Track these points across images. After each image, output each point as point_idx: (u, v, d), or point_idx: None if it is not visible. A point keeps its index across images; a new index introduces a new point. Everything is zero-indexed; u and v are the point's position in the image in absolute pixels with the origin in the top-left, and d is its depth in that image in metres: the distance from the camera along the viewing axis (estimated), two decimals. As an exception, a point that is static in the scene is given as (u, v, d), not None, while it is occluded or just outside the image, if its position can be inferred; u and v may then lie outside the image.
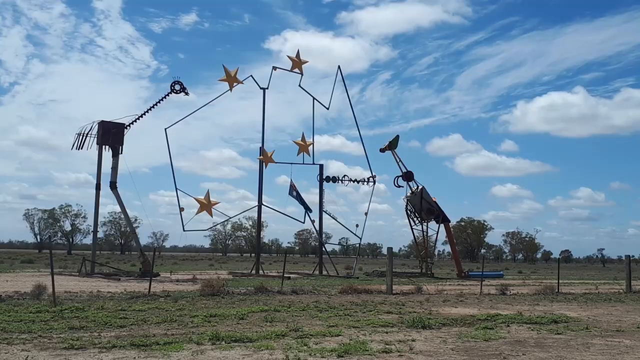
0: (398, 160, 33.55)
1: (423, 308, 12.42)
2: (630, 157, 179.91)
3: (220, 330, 8.30)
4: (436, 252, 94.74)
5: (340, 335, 8.20)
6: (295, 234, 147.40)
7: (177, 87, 27.97)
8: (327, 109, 31.54)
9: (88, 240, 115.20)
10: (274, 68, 30.46)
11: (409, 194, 33.64)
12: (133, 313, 10.31)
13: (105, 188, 26.68)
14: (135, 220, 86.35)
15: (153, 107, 27.80)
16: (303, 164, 30.46)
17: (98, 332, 8.11)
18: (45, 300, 12.23)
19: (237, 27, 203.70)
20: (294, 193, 30.62)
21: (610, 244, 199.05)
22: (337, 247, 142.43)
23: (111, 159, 26.85)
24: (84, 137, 27.08)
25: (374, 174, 32.71)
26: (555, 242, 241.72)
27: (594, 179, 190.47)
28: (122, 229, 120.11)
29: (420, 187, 33.46)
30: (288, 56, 30.96)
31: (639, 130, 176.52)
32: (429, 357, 6.78)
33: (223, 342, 7.35)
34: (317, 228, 31.46)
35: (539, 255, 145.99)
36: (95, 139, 26.95)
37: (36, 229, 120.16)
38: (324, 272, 30.22)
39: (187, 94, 28.29)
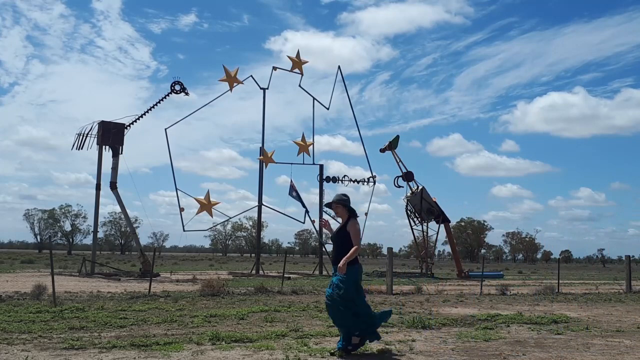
0: (398, 161, 33.59)
1: (423, 308, 12.42)
2: (631, 157, 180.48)
3: (220, 330, 8.29)
4: (436, 252, 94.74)
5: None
6: (295, 234, 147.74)
7: (177, 87, 28.02)
8: (327, 109, 31.62)
9: (88, 240, 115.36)
10: (274, 68, 30.52)
11: (409, 194, 33.65)
12: (133, 313, 10.31)
13: (105, 188, 26.73)
14: (135, 220, 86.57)
15: (153, 107, 27.85)
16: (303, 164, 30.50)
17: (98, 332, 8.11)
18: (45, 300, 12.22)
19: (237, 27, 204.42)
20: (294, 193, 30.63)
21: (611, 244, 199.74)
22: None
23: (111, 159, 26.93)
24: (84, 137, 27.13)
25: (374, 174, 32.80)
26: (556, 242, 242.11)
27: (594, 179, 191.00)
28: (122, 229, 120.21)
29: (420, 187, 33.47)
30: (288, 56, 31.06)
31: (639, 130, 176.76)
32: (429, 357, 6.78)
33: (223, 342, 7.35)
34: (317, 228, 31.48)
35: (539, 256, 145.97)
36: (95, 139, 27.01)
37: (36, 229, 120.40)
38: (324, 272, 30.22)
39: (187, 94, 28.34)
